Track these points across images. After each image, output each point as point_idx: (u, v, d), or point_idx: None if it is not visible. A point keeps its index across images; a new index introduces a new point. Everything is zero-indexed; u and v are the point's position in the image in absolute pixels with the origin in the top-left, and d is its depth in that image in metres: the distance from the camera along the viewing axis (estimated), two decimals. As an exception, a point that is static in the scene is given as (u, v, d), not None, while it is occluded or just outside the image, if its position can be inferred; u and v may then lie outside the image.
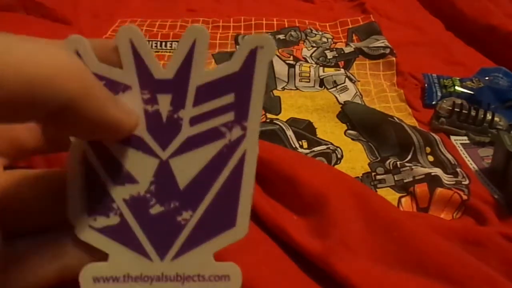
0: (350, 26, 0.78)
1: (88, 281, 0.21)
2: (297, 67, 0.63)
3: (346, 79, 0.62)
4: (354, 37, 0.76)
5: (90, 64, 0.21)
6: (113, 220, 0.22)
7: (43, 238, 0.21)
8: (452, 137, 0.54)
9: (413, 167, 0.48)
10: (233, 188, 0.23)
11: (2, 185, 0.21)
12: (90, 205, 0.22)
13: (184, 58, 0.22)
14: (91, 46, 0.21)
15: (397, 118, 0.55)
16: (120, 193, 0.22)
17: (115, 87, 0.22)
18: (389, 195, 0.46)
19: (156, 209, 0.22)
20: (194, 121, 0.22)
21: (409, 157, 0.50)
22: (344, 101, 0.58)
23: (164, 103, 0.22)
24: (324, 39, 0.74)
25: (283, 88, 0.61)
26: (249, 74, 0.22)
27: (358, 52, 0.69)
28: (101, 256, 0.22)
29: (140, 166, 0.22)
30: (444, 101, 0.57)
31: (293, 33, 0.75)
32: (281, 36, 0.74)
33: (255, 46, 0.21)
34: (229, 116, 0.22)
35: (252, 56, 0.22)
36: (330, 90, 0.61)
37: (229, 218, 0.23)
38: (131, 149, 0.22)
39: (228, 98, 0.22)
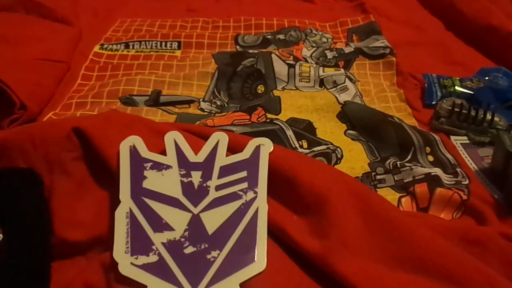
0: (350, 26, 0.78)
1: None
2: (297, 67, 0.63)
3: (346, 79, 0.62)
4: (354, 37, 0.76)
5: (143, 152, 0.31)
6: (152, 258, 0.27)
7: None
8: (452, 137, 0.54)
9: (413, 167, 0.48)
10: (251, 233, 0.30)
11: None
12: (133, 247, 0.27)
13: (211, 149, 0.32)
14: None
15: (397, 118, 0.54)
16: (159, 238, 0.28)
17: (159, 166, 0.31)
18: (389, 195, 0.46)
19: (189, 250, 0.29)
20: (218, 188, 0.31)
21: (409, 157, 0.50)
22: (344, 101, 0.58)
23: (196, 176, 0.31)
24: (324, 39, 0.74)
25: (283, 88, 0.61)
26: (256, 159, 0.33)
27: (358, 52, 0.69)
28: None
29: (177, 218, 0.29)
30: (444, 101, 0.57)
31: (293, 33, 0.75)
32: (281, 36, 0.74)
33: (259, 144, 0.33)
34: (244, 185, 0.32)
35: (257, 149, 0.33)
36: (330, 90, 0.61)
37: (249, 255, 0.30)
38: (170, 207, 0.29)
39: (243, 174, 0.32)
